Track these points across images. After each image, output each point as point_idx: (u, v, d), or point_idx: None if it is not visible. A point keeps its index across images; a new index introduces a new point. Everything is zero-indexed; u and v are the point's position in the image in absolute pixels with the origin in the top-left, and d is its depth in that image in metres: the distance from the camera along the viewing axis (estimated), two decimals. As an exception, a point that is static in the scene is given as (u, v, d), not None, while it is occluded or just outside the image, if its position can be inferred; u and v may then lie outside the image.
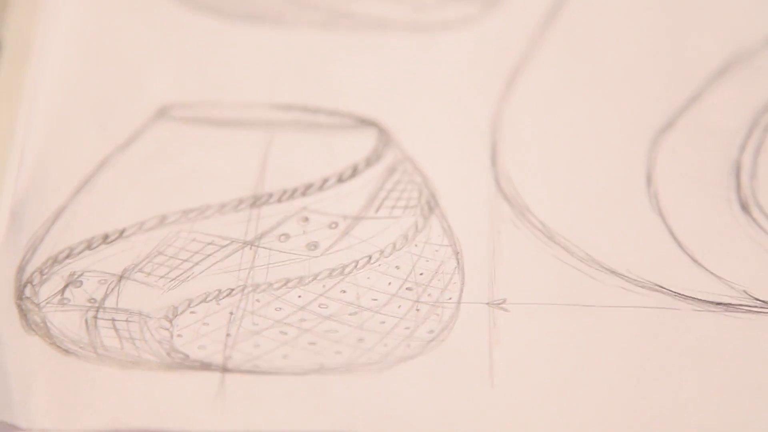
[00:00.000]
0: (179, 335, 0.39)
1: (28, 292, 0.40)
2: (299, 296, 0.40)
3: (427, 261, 0.41)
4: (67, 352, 0.39)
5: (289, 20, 0.47)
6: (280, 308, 0.40)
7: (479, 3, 0.47)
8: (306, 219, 0.42)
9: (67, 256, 0.41)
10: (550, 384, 0.38)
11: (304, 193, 0.42)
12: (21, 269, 0.40)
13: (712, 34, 0.46)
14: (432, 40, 0.46)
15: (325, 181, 0.43)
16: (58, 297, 0.40)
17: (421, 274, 0.41)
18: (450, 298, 0.40)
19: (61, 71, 0.45)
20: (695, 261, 0.41)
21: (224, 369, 0.38)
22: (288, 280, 0.40)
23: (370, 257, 0.41)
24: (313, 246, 0.41)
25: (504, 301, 0.40)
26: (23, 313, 0.40)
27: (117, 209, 0.42)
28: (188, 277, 0.40)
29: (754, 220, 0.41)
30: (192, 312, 0.40)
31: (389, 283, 0.40)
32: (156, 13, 0.47)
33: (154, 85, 0.45)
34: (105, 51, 0.46)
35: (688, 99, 0.44)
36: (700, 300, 0.40)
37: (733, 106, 0.44)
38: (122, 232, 0.41)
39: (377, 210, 0.42)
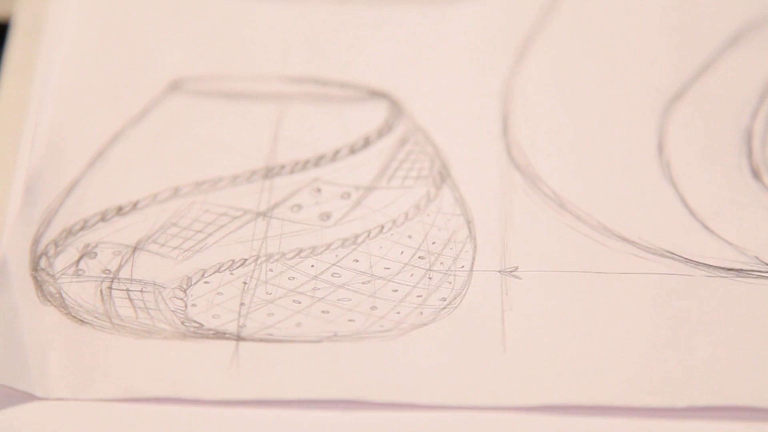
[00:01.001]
0: (193, 305, 0.39)
1: (43, 263, 0.40)
2: (312, 266, 0.40)
3: (439, 230, 0.41)
4: (82, 322, 0.39)
5: (301, -7, 0.47)
6: (293, 277, 0.40)
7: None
8: (318, 190, 0.42)
9: (82, 228, 0.41)
10: (562, 350, 0.38)
11: (316, 164, 0.43)
12: (36, 241, 0.41)
13: (722, 3, 0.46)
14: (443, 12, 0.47)
15: (337, 152, 0.43)
16: (73, 268, 0.40)
17: (433, 243, 0.41)
18: (462, 267, 0.40)
19: (74, 46, 0.45)
20: (707, 227, 0.41)
21: (238, 337, 0.39)
22: (301, 250, 0.40)
23: (383, 227, 0.41)
24: (326, 216, 0.41)
25: (516, 268, 0.40)
26: (38, 284, 0.40)
27: (130, 181, 0.42)
28: (202, 247, 0.40)
29: (766, 186, 0.42)
30: (206, 282, 0.40)
31: (402, 252, 0.40)
32: (168, -15, 0.47)
33: (166, 59, 0.45)
34: (117, 25, 0.46)
35: (699, 68, 0.44)
36: (712, 266, 0.40)
37: (744, 75, 0.44)
38: (136, 203, 0.42)
39: (389, 180, 0.42)
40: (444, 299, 0.40)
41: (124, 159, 0.43)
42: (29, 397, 0.38)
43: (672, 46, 0.45)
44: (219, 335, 0.39)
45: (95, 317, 0.39)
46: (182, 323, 0.39)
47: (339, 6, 0.47)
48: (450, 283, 0.40)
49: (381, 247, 0.41)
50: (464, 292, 0.40)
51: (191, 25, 0.46)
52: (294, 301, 0.39)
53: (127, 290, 0.40)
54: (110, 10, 0.46)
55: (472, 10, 0.46)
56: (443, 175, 0.42)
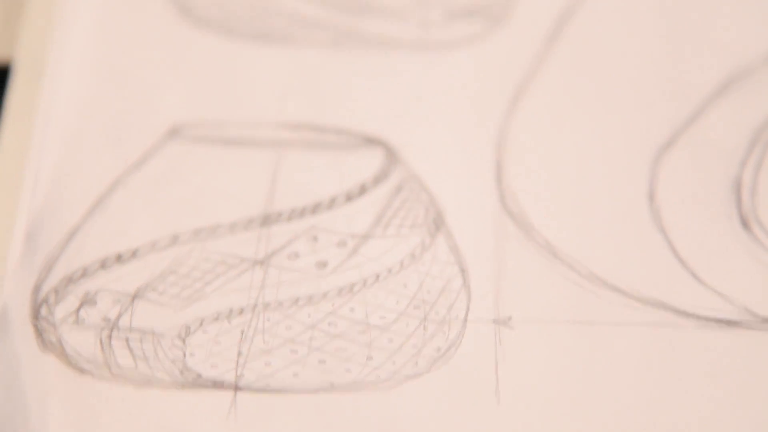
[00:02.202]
0: (192, 354, 0.40)
1: (43, 311, 0.41)
2: (309, 315, 0.41)
3: (434, 279, 0.42)
4: (82, 371, 0.40)
5: (298, 40, 0.48)
6: (291, 327, 0.41)
7: (484, 22, 0.48)
8: (315, 238, 0.43)
9: (82, 276, 0.42)
10: (556, 401, 0.39)
11: (313, 212, 0.43)
12: (37, 289, 0.41)
13: (712, 52, 0.47)
14: (438, 59, 0.47)
15: (334, 199, 0.44)
16: (73, 316, 0.41)
17: (428, 292, 0.41)
18: (457, 316, 0.41)
19: (74, 91, 0.46)
20: (697, 277, 0.41)
21: (236, 387, 0.39)
22: (298, 299, 0.41)
23: (378, 276, 0.42)
24: (323, 265, 0.42)
25: (509, 318, 0.41)
26: (39, 333, 0.40)
27: (130, 228, 0.43)
28: (200, 296, 0.41)
29: (755, 236, 0.42)
30: (204, 331, 0.40)
31: (397, 302, 0.41)
32: (167, 33, 0.47)
33: (166, 105, 0.46)
34: (117, 71, 0.46)
35: (690, 116, 0.45)
36: (702, 317, 0.41)
37: (734, 123, 0.45)
38: (135, 251, 0.42)
39: (385, 228, 0.43)
40: (439, 349, 0.40)
41: (124, 206, 0.43)
42: (30, 447, 0.38)
43: (663, 94, 0.46)
44: (217, 385, 0.39)
45: (95, 366, 0.40)
46: (181, 373, 0.40)
47: (336, 53, 0.47)
48: (445, 332, 0.41)
49: (377, 296, 0.41)
50: (459, 341, 0.40)
51: (190, 72, 0.47)
52: (291, 350, 0.40)
53: (127, 339, 0.40)
54: (111, 57, 0.47)
55: (467, 57, 0.47)
56: (438, 224, 0.43)
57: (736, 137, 0.44)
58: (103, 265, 0.42)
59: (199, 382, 0.39)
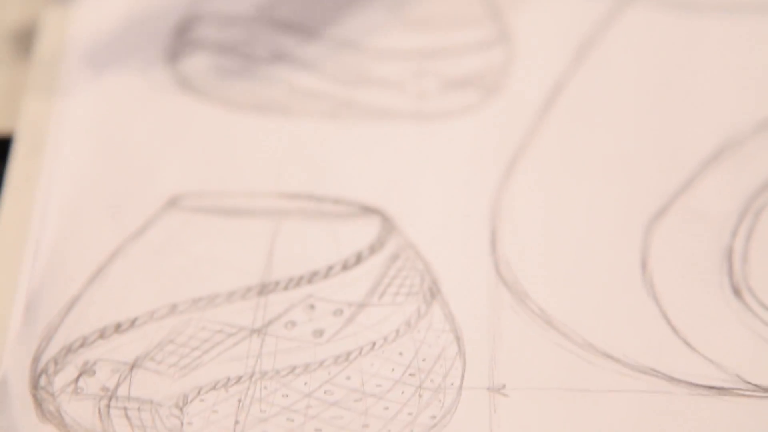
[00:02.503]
0: (189, 423, 0.40)
1: (43, 381, 0.41)
2: (305, 383, 0.41)
3: (430, 347, 0.42)
4: (81, 440, 0.40)
5: (295, 110, 0.48)
6: (287, 395, 0.41)
7: (479, 92, 0.49)
8: (312, 306, 0.43)
9: (81, 345, 0.42)
10: (549, 469, 0.39)
11: (310, 281, 0.44)
12: (36, 359, 0.42)
13: (703, 121, 0.47)
14: (434, 129, 0.48)
15: (331, 268, 0.44)
16: (72, 386, 0.41)
17: (423, 360, 0.42)
18: (452, 384, 0.41)
19: (75, 163, 0.47)
20: (689, 345, 0.42)
21: (233, 456, 0.40)
22: (294, 368, 0.42)
23: (374, 344, 0.42)
24: (319, 333, 0.42)
25: (504, 386, 0.41)
26: (38, 403, 0.41)
27: (129, 298, 0.43)
28: (198, 365, 0.42)
29: (746, 304, 0.43)
30: (202, 400, 0.41)
31: (392, 370, 0.42)
32: (166, 105, 0.48)
33: (165, 176, 0.46)
34: (116, 142, 0.47)
35: (681, 185, 0.46)
36: (694, 384, 0.41)
37: (725, 192, 0.45)
38: (134, 321, 0.43)
39: (381, 297, 0.43)
40: (434, 417, 0.41)
41: (123, 276, 0.44)
42: None
43: (655, 163, 0.46)
44: (214, 454, 0.40)
45: (94, 435, 0.40)
46: (179, 442, 0.40)
47: (333, 123, 0.48)
48: (440, 400, 0.41)
49: (372, 365, 0.42)
50: (454, 409, 0.41)
51: (189, 142, 0.47)
52: (288, 419, 0.40)
53: (125, 409, 0.41)
54: (110, 128, 0.48)
55: (462, 126, 0.48)
56: (433, 292, 0.44)
57: (727, 206, 0.45)
58: (102, 334, 0.42)
59: (196, 452, 0.40)
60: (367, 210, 0.46)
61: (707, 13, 0.50)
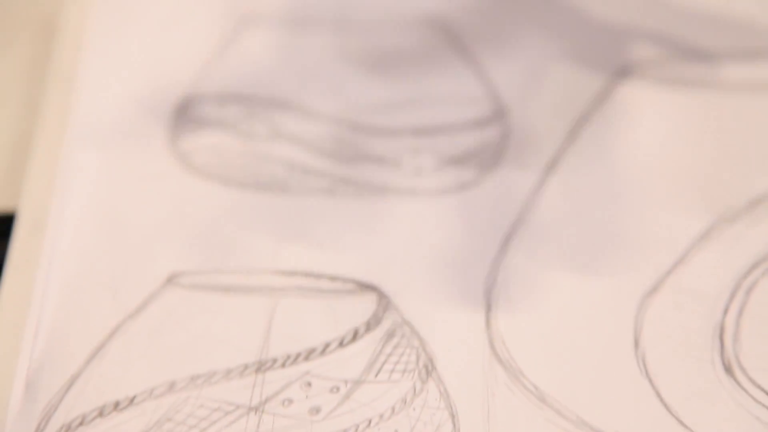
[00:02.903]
0: (187, 502, 0.41)
1: (42, 460, 0.42)
2: (302, 461, 0.42)
3: (425, 425, 0.43)
4: None
5: (293, 188, 0.49)
6: (284, 473, 0.41)
7: (474, 169, 0.50)
8: (309, 384, 0.44)
9: (81, 424, 0.43)
10: None
11: (307, 358, 0.44)
12: (36, 437, 0.42)
13: (694, 199, 0.48)
14: (429, 205, 0.49)
15: (327, 345, 0.45)
16: (71, 465, 0.42)
17: (418, 437, 0.42)
18: (446, 462, 0.42)
19: (75, 241, 0.47)
20: (681, 423, 0.42)
21: None
22: (291, 446, 0.42)
23: (370, 421, 0.43)
24: (315, 411, 0.43)
25: (498, 464, 0.42)
26: (38, 482, 0.41)
27: (128, 376, 0.44)
28: (196, 443, 0.42)
29: (738, 382, 0.43)
30: (199, 478, 0.41)
31: (388, 448, 0.42)
32: (166, 183, 0.49)
33: (164, 254, 0.47)
34: (117, 221, 0.48)
35: (673, 262, 0.46)
36: (687, 462, 0.41)
37: (716, 270, 0.46)
38: (133, 399, 0.43)
39: (377, 374, 0.44)
40: (428, 496, 0.41)
41: (122, 353, 0.44)
42: None
43: (647, 241, 0.47)
44: None
45: None
46: None
47: (330, 200, 0.49)
48: (434, 479, 0.41)
49: (368, 443, 0.42)
50: (448, 488, 0.41)
51: (188, 220, 0.48)
52: (284, 497, 0.41)
53: (124, 487, 0.41)
54: (111, 207, 0.48)
55: (457, 203, 0.49)
56: (429, 369, 0.44)
57: (718, 284, 0.46)
58: (101, 413, 0.43)
59: None
60: (364, 287, 0.46)
61: (699, 91, 0.51)
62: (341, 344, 0.45)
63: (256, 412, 0.43)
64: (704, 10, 0.53)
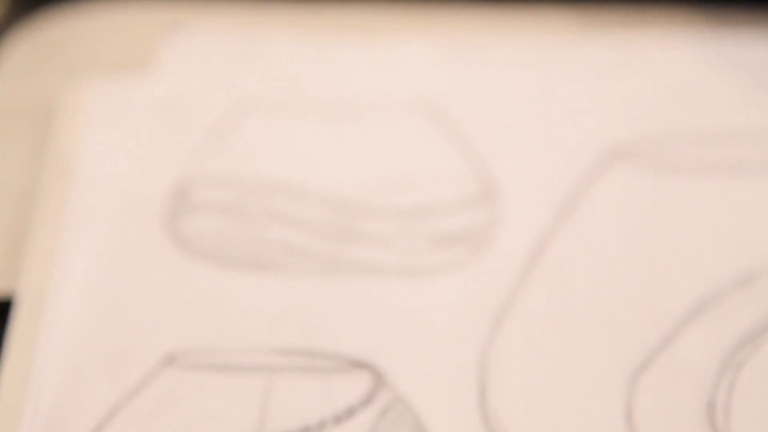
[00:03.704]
0: None
1: None
2: None
3: (420, 503, 0.43)
4: None
5: (288, 268, 0.50)
6: None
7: (466, 248, 0.50)
8: (305, 462, 0.44)
9: (78, 506, 0.43)
10: None
11: (302, 437, 0.45)
12: None
13: (684, 275, 0.49)
14: (422, 284, 0.49)
15: (323, 423, 0.45)
16: None
17: None
18: None
19: (74, 322, 0.48)
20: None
21: None
22: None
23: (366, 500, 0.43)
24: (311, 490, 0.43)
25: None
26: None
27: (125, 456, 0.44)
28: None
29: (730, 458, 0.44)
30: None
31: None
32: (162, 265, 0.50)
33: (161, 334, 0.48)
34: (114, 303, 0.48)
35: (664, 338, 0.47)
36: None
37: (707, 345, 0.46)
38: (130, 481, 0.43)
39: (372, 452, 0.44)
40: None
41: (120, 434, 0.45)
42: None
43: (638, 317, 0.48)
44: None
45: None
46: None
47: (324, 280, 0.49)
48: None
49: None
50: None
51: (184, 301, 0.49)
52: None
53: None
54: (109, 289, 0.49)
55: (450, 282, 0.49)
56: (423, 447, 0.44)
57: (709, 359, 0.46)
58: (99, 493, 0.43)
59: None
60: (358, 365, 0.47)
61: (686, 174, 0.52)
62: (337, 421, 0.45)
63: (252, 492, 0.43)
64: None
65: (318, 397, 0.46)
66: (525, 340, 0.47)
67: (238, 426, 0.45)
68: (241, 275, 0.50)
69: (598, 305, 0.48)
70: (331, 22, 0.59)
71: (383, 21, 0.59)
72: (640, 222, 0.50)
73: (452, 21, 0.59)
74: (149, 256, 0.50)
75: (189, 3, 0.59)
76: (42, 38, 0.59)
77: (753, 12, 0.58)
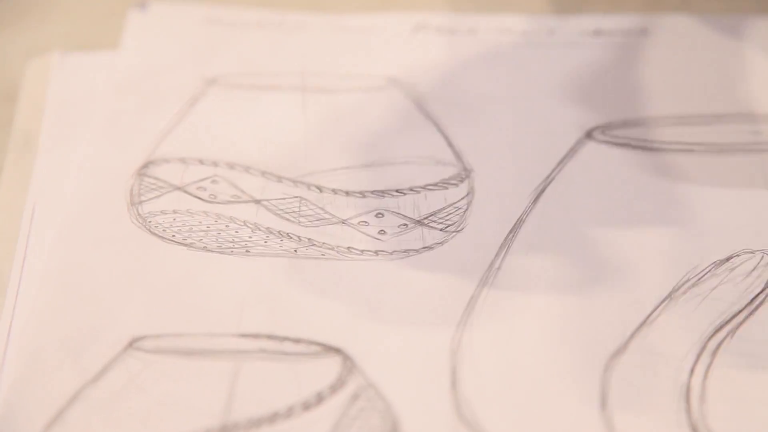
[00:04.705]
0: None
1: None
2: None
3: (390, 489, 0.42)
4: None
5: (257, 250, 0.49)
6: None
7: (440, 231, 0.49)
8: (272, 448, 0.43)
9: (39, 492, 0.42)
10: None
11: (270, 422, 0.44)
12: (-6, 506, 0.42)
13: (660, 261, 0.48)
14: (394, 268, 0.48)
15: (291, 409, 0.44)
16: None
17: (384, 503, 0.42)
18: None
19: (35, 305, 0.47)
20: (649, 485, 0.42)
21: None
22: None
23: (335, 486, 0.42)
24: (279, 476, 0.42)
25: None
26: None
27: (88, 442, 0.43)
28: None
29: (705, 443, 0.43)
30: None
31: None
32: (128, 246, 0.49)
33: (126, 318, 0.47)
34: (78, 285, 0.47)
35: (638, 324, 0.46)
36: None
37: (682, 331, 0.46)
38: (93, 466, 0.42)
39: (341, 438, 0.44)
40: None
41: (82, 420, 0.44)
42: None
43: (613, 302, 0.47)
44: None
45: None
46: None
47: (294, 263, 0.48)
48: None
49: None
50: None
51: (150, 284, 0.48)
52: None
53: None
54: (71, 270, 0.48)
55: (422, 266, 0.48)
56: (394, 433, 0.44)
57: (684, 345, 0.45)
58: (61, 480, 0.42)
59: None
60: (328, 349, 0.46)
61: (663, 155, 0.51)
62: (305, 407, 0.44)
63: (218, 478, 0.42)
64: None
65: (286, 383, 0.45)
66: (498, 324, 0.46)
67: (204, 412, 0.44)
68: (209, 258, 0.49)
69: (573, 288, 0.47)
70: None
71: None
72: (615, 203, 0.50)
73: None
74: (114, 238, 0.49)
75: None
76: (6, 15, 0.58)
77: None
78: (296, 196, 0.50)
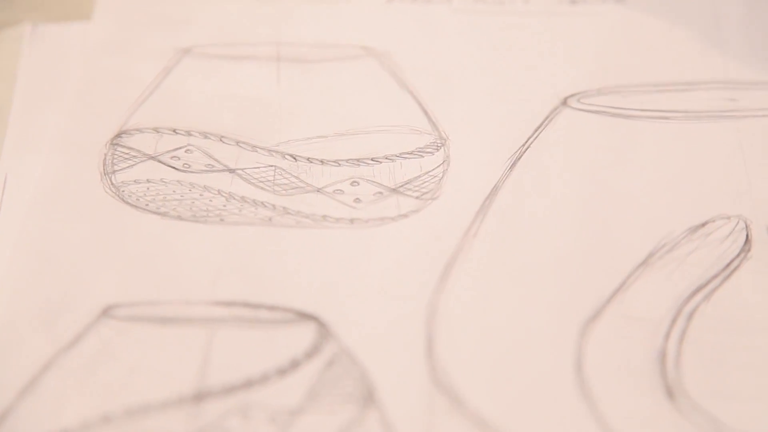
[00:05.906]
0: None
1: (-28, 496, 0.41)
2: (240, 493, 0.41)
3: (365, 454, 0.42)
4: None
5: (231, 218, 0.49)
6: (221, 506, 0.41)
7: (414, 198, 0.49)
8: (246, 414, 0.43)
9: (12, 459, 0.42)
10: None
11: (245, 388, 0.44)
12: (-34, 473, 0.41)
13: (636, 225, 0.48)
14: (369, 234, 0.48)
15: (266, 375, 0.44)
16: (3, 500, 0.41)
17: (359, 468, 0.42)
18: (387, 492, 0.41)
19: (7, 273, 0.46)
20: (624, 449, 0.42)
21: None
22: (229, 478, 0.41)
23: (310, 452, 0.42)
24: (254, 442, 0.42)
25: (440, 493, 0.41)
26: None
27: (62, 410, 0.43)
28: (131, 477, 0.41)
29: (679, 407, 0.43)
30: None
31: (328, 478, 0.41)
32: (101, 215, 0.48)
33: (99, 286, 0.46)
34: (51, 254, 0.47)
35: (615, 288, 0.46)
36: (630, 488, 0.41)
37: (658, 295, 0.46)
38: (66, 433, 0.42)
39: (317, 404, 0.43)
40: None
41: (56, 387, 0.44)
42: None
43: (588, 267, 0.47)
44: None
45: None
46: None
47: (268, 230, 0.48)
48: None
49: (308, 474, 0.41)
50: None
51: (123, 252, 0.47)
52: None
53: None
54: (44, 238, 0.47)
55: (398, 233, 0.48)
56: (369, 399, 0.44)
57: (659, 309, 0.45)
58: (34, 447, 0.42)
59: None
60: (303, 316, 0.46)
61: (638, 122, 0.51)
62: (280, 374, 0.44)
63: (193, 445, 0.42)
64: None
65: (261, 350, 0.45)
66: (474, 290, 0.46)
67: (178, 379, 0.44)
68: (183, 225, 0.48)
69: (549, 254, 0.47)
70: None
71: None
72: (592, 169, 0.50)
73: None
74: (87, 206, 0.49)
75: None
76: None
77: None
78: (271, 165, 0.50)
